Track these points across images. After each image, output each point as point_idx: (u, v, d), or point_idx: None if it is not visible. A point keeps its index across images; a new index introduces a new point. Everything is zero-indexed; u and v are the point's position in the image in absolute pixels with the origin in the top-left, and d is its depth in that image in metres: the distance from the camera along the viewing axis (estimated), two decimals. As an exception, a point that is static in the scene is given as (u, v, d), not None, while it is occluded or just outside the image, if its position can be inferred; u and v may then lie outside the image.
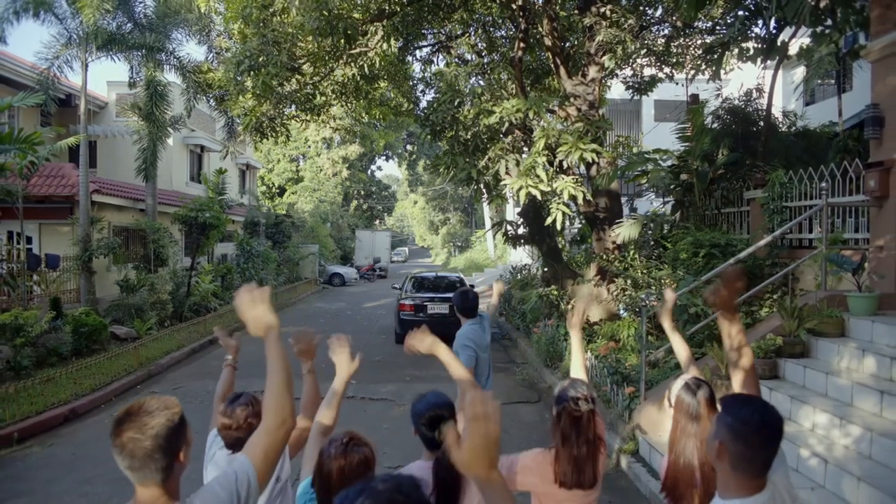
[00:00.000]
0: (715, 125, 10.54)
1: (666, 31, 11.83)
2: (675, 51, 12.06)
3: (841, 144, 9.00)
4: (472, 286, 16.61)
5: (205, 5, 11.16)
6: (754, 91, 10.77)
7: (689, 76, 11.69)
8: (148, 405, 1.54)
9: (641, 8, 10.74)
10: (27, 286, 11.09)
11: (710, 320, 6.29)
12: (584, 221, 11.75)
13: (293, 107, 11.93)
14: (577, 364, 2.80)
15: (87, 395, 7.97)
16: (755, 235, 7.77)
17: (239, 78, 9.48)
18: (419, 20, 11.30)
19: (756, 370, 2.25)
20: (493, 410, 1.28)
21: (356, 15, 9.62)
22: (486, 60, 12.38)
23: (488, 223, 33.48)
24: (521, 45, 10.30)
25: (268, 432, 1.64)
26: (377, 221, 51.71)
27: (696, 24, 10.88)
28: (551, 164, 8.85)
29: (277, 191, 37.39)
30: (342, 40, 9.12)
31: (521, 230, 12.57)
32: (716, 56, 10.10)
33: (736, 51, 10.38)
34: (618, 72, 12.37)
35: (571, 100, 9.59)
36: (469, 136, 9.61)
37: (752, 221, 8.48)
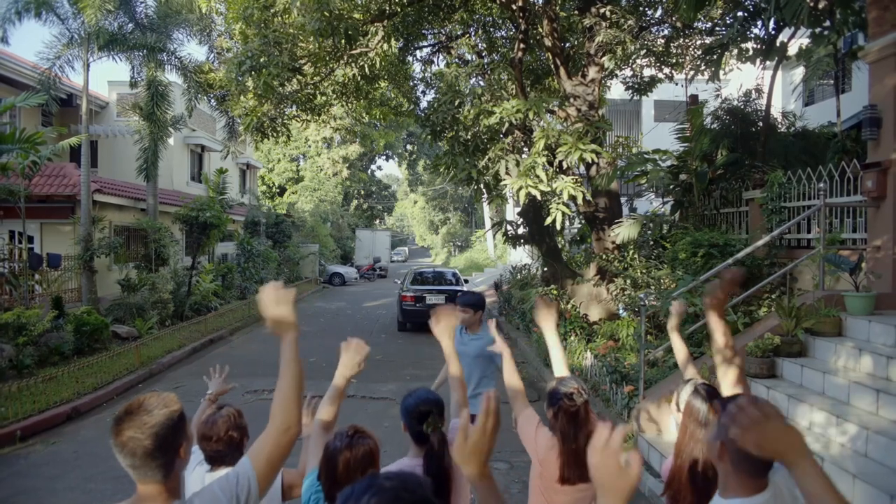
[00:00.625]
0: (714, 126, 10.57)
1: (665, 32, 11.87)
2: (674, 51, 12.10)
3: (839, 145, 9.02)
4: (466, 280, 17.07)
5: (206, 6, 11.20)
6: (753, 92, 10.80)
7: (689, 77, 11.71)
8: (147, 403, 1.53)
9: (641, 9, 10.79)
10: (29, 285, 11.12)
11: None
12: (583, 221, 11.79)
13: (294, 107, 11.98)
14: (559, 362, 2.75)
15: (89, 393, 8.01)
16: (754, 235, 7.80)
17: (240, 78, 9.52)
18: (419, 20, 11.35)
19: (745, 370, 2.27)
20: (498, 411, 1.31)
21: (357, 15, 9.67)
22: (486, 61, 12.42)
23: (488, 223, 33.53)
24: (521, 45, 10.34)
25: (272, 436, 1.62)
26: (377, 221, 51.74)
27: (695, 24, 10.92)
28: (551, 164, 8.89)
29: (278, 190, 37.40)
30: (343, 41, 9.17)
31: (521, 230, 12.63)
32: (715, 57, 10.14)
33: (735, 51, 10.42)
34: (617, 72, 12.41)
35: (571, 100, 9.63)
36: (469, 137, 9.66)
37: (750, 221, 8.52)
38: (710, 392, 2.37)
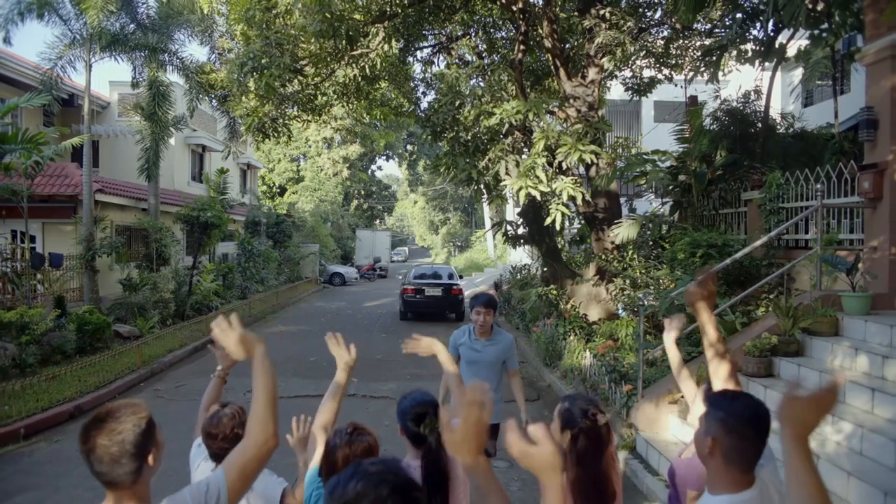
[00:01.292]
0: (713, 127, 10.61)
1: (665, 33, 11.91)
2: (673, 52, 12.14)
3: (837, 146, 9.07)
4: (461, 276, 18.44)
5: (207, 7, 11.26)
6: (752, 93, 10.84)
7: (688, 78, 11.77)
8: (115, 411, 1.55)
9: (641, 10, 10.84)
10: (31, 285, 11.17)
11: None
12: (583, 222, 11.83)
13: (295, 107, 12.02)
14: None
15: (91, 392, 8.07)
16: (752, 236, 7.85)
17: (242, 79, 9.57)
18: (420, 21, 11.39)
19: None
20: (487, 400, 1.33)
21: (358, 17, 9.71)
22: (486, 62, 12.46)
23: (488, 223, 33.56)
24: (522, 46, 10.39)
25: (248, 449, 1.62)
26: (377, 221, 51.76)
27: (694, 26, 10.97)
28: (551, 164, 8.94)
29: (278, 190, 37.44)
30: (344, 42, 9.21)
31: (520, 230, 12.67)
32: (714, 58, 10.18)
33: (734, 53, 10.46)
34: (617, 73, 12.47)
35: (571, 101, 9.67)
36: (469, 137, 9.71)
37: (749, 222, 8.57)
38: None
